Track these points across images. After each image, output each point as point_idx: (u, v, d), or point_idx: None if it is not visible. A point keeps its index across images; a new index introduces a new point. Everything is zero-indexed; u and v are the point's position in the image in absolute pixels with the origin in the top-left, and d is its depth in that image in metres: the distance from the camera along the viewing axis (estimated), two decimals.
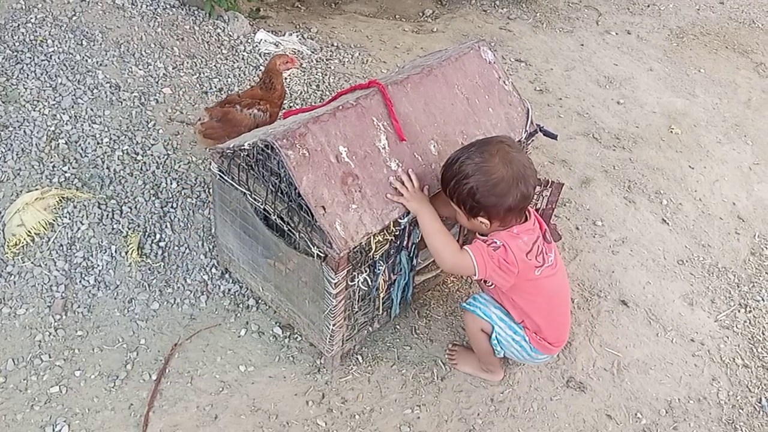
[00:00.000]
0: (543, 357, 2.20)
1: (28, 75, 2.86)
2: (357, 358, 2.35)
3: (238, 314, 2.42)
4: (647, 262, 2.86)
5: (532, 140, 2.48)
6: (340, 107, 1.99)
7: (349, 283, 2.03)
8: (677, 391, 2.38)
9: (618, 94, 3.95)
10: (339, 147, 1.95)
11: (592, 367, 2.43)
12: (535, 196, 2.33)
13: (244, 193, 2.10)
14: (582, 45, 4.41)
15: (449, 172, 1.98)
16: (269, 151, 1.90)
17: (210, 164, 2.21)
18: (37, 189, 2.48)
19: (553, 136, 2.44)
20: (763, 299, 2.77)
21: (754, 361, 2.52)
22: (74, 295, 2.35)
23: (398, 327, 2.47)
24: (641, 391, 2.37)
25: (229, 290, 2.47)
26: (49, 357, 2.21)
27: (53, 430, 2.05)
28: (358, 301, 2.14)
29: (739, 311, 2.70)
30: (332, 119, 1.96)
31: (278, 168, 1.92)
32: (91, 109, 2.84)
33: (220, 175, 2.16)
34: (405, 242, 2.12)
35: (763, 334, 2.63)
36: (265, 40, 3.66)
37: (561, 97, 3.85)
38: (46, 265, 2.38)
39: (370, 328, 2.32)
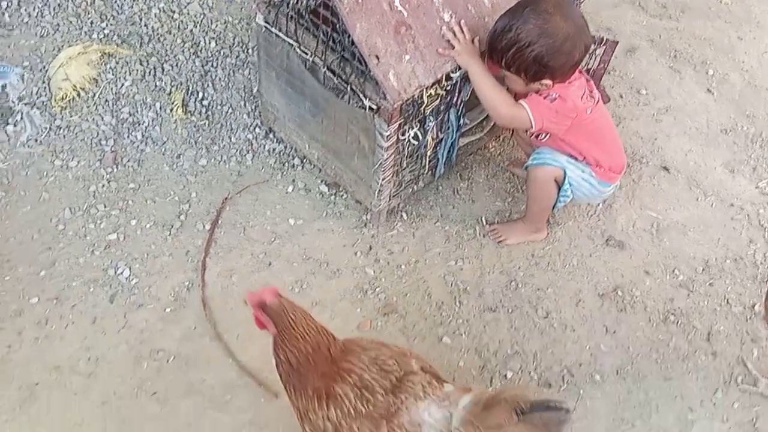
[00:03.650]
0: (609, 188, 2.26)
1: None
2: (402, 215, 2.40)
3: (284, 172, 2.45)
4: (690, 131, 2.83)
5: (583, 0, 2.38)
6: None
7: (400, 137, 2.03)
8: (714, 251, 2.44)
9: None
10: None
11: (632, 228, 2.47)
12: (587, 56, 2.28)
13: (292, 44, 2.06)
14: None
15: (504, 40, 1.91)
16: None
17: (255, 16, 2.16)
18: (78, 43, 2.45)
19: None
20: None
21: None
22: (123, 149, 2.38)
23: (441, 188, 2.51)
24: (679, 251, 2.42)
25: (274, 149, 2.50)
26: (105, 207, 2.28)
27: (115, 272, 2.16)
28: (406, 157, 2.15)
29: None
30: None
31: (331, 15, 1.88)
32: None
33: (267, 27, 2.11)
34: (455, 99, 2.10)
35: None
36: None
37: None
38: (93, 119, 2.40)
39: (415, 187, 2.35)
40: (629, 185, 2.59)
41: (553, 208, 2.26)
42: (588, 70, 2.31)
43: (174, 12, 2.70)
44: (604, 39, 2.26)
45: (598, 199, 2.35)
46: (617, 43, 2.29)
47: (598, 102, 2.11)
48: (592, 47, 2.26)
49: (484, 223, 2.42)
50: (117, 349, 2.02)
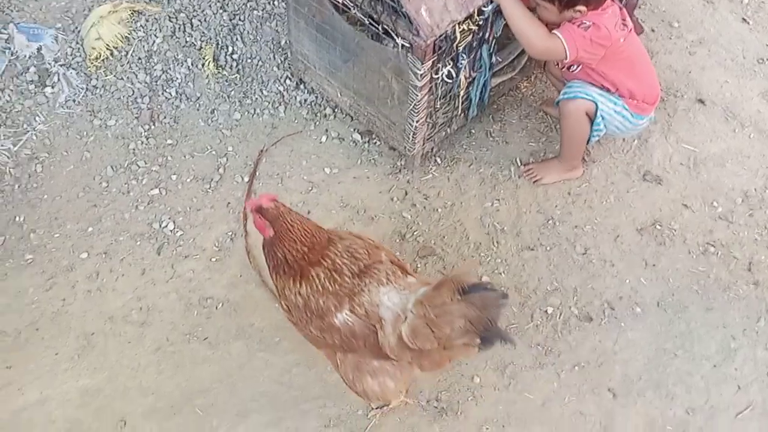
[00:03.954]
0: (643, 120, 2.23)
1: None
2: (436, 160, 2.41)
3: (317, 122, 2.47)
4: (725, 62, 2.76)
5: None
6: None
7: (433, 75, 2.03)
8: (753, 182, 2.41)
9: None
10: None
11: (669, 162, 2.45)
12: None
13: None
14: None
15: None
16: None
17: None
18: (107, 2, 2.47)
19: None
20: None
21: None
22: (159, 106, 2.42)
23: (473, 131, 2.50)
24: (717, 183, 2.40)
25: (306, 100, 2.51)
26: (145, 163, 2.32)
27: (159, 226, 2.21)
28: (439, 98, 2.15)
29: None
30: None
31: None
32: None
33: None
34: (487, 34, 2.08)
35: None
36: None
37: None
38: (128, 78, 2.43)
39: (449, 130, 2.35)
40: (664, 119, 2.56)
41: (588, 143, 2.25)
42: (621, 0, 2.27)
43: None
44: None
45: (633, 132, 2.32)
46: None
47: (630, 31, 2.07)
48: None
49: (519, 163, 2.42)
50: (167, 298, 2.09)
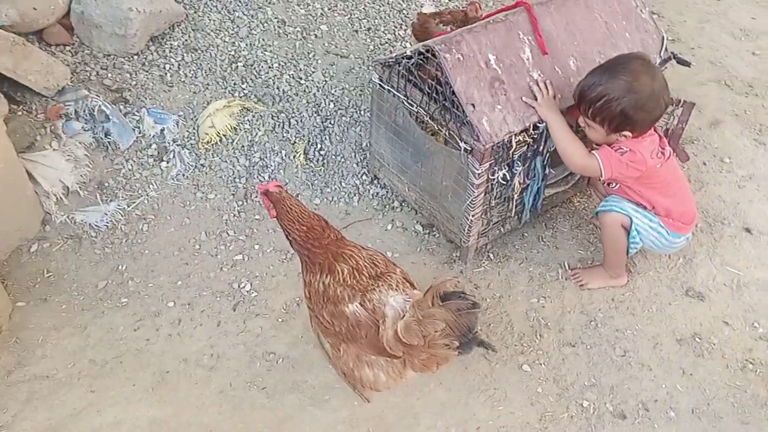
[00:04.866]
0: (680, 239, 2.39)
1: (211, 9, 3.35)
2: (488, 255, 2.65)
3: (385, 213, 2.78)
4: None
5: (665, 68, 2.63)
6: (491, 21, 2.28)
7: (490, 176, 2.31)
8: None
9: (754, 45, 3.94)
10: (488, 55, 2.23)
11: (712, 282, 2.58)
12: (666, 115, 2.50)
13: (401, 98, 2.43)
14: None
15: (594, 93, 2.17)
16: (430, 56, 2.22)
17: (371, 76, 2.56)
18: (223, 99, 2.95)
19: (687, 63, 2.59)
20: None
21: None
22: (253, 187, 2.80)
23: (526, 235, 2.74)
24: (760, 305, 2.50)
25: (377, 193, 2.84)
26: (234, 233, 2.67)
27: (238, 286, 2.51)
28: (494, 197, 2.42)
29: None
30: (484, 31, 2.25)
31: (435, 70, 2.24)
32: (263, 39, 3.28)
33: (380, 85, 2.51)
34: (541, 147, 2.38)
35: None
36: None
37: (693, 47, 3.89)
38: (230, 161, 2.85)
39: (502, 229, 2.60)
40: (710, 243, 2.71)
41: (627, 254, 2.42)
42: (667, 130, 2.53)
43: (301, 78, 3.19)
44: (682, 101, 2.48)
45: (669, 249, 2.47)
46: (694, 104, 2.50)
47: (668, 158, 2.29)
48: (671, 108, 2.49)
49: (567, 267, 2.62)
50: (236, 349, 2.34)
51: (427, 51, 2.21)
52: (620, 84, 2.13)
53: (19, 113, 2.76)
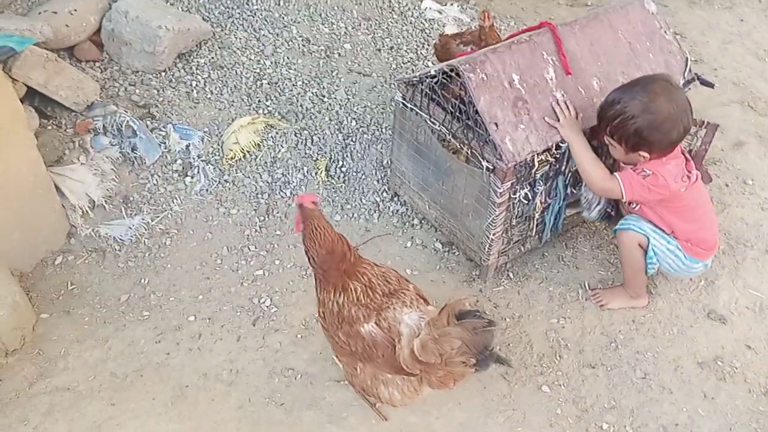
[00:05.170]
0: (698, 265, 2.36)
1: (237, 27, 3.41)
2: (508, 274, 2.64)
3: (405, 230, 2.79)
4: None
5: (689, 89, 2.63)
6: (515, 41, 2.29)
7: (511, 195, 2.32)
8: None
9: None
10: (512, 75, 2.25)
11: (734, 305, 2.55)
12: (690, 137, 2.50)
13: (424, 117, 2.45)
14: (741, 20, 4.37)
15: (612, 111, 2.19)
16: (454, 75, 2.23)
17: (394, 95, 2.58)
18: (247, 116, 3.00)
19: (710, 85, 2.58)
20: None
21: None
22: (274, 203, 2.83)
23: (546, 254, 2.73)
24: None
25: (397, 211, 2.85)
26: (255, 248, 2.70)
27: (258, 301, 2.53)
28: (515, 216, 2.42)
29: None
30: (508, 51, 2.27)
31: (459, 90, 2.25)
32: (288, 58, 3.33)
33: (403, 103, 2.53)
34: (563, 167, 2.38)
35: None
36: (430, 8, 4.01)
37: (716, 67, 3.88)
38: (253, 177, 2.88)
39: (522, 248, 2.60)
40: (732, 265, 2.69)
41: (646, 274, 2.40)
42: (690, 151, 2.52)
43: (324, 96, 3.23)
44: (705, 122, 2.48)
45: (687, 274, 2.45)
46: (717, 126, 2.49)
47: (695, 182, 2.27)
48: (694, 129, 2.48)
49: (587, 287, 2.60)
50: (255, 364, 2.35)
51: (451, 70, 2.23)
52: (636, 104, 2.13)
53: (49, 127, 2.83)
